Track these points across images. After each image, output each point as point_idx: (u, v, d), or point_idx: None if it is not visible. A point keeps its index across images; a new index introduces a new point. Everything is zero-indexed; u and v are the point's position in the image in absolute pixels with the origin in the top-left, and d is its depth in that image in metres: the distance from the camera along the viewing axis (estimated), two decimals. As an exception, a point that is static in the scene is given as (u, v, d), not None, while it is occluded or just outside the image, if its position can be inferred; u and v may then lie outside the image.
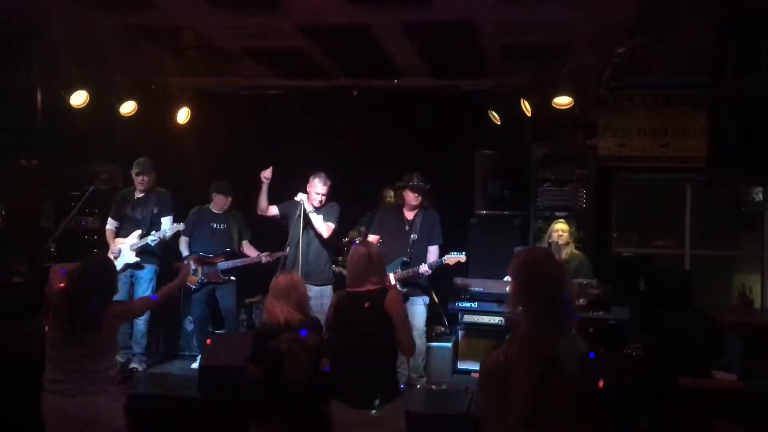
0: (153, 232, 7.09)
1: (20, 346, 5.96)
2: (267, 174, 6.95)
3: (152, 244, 7.09)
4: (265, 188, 6.98)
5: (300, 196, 6.76)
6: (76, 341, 4.22)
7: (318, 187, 6.86)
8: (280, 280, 4.56)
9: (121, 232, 7.29)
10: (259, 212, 7.09)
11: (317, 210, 6.90)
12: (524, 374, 2.81)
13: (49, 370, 4.29)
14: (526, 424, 2.78)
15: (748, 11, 5.24)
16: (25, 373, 5.60)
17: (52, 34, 6.77)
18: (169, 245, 7.33)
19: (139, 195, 7.33)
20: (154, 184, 7.37)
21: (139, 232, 7.15)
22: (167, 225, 7.21)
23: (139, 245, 7.12)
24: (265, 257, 7.21)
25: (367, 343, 4.14)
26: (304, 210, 6.74)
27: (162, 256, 7.28)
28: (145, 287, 7.16)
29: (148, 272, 7.18)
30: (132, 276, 7.20)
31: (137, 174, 7.26)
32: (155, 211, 7.27)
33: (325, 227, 6.87)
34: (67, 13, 6.31)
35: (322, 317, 6.84)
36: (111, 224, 7.41)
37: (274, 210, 7.06)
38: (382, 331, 4.16)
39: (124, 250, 7.13)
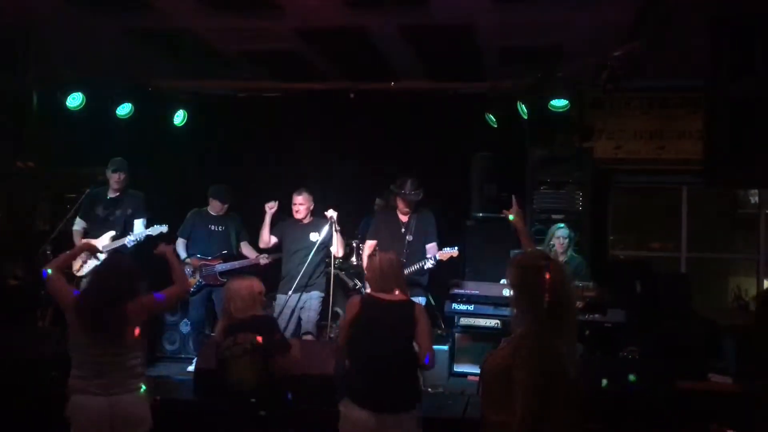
0: (130, 233, 6.88)
1: (16, 349, 5.93)
2: (272, 205, 7.02)
3: (129, 246, 6.87)
4: (268, 219, 7.03)
5: (330, 213, 6.82)
6: (100, 341, 4.16)
7: (293, 199, 6.99)
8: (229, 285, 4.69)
9: (90, 234, 7.04)
10: (261, 245, 7.16)
11: (306, 223, 7.00)
12: (530, 378, 2.82)
13: (75, 371, 4.23)
14: (531, 427, 2.78)
15: (743, 13, 5.24)
16: (22, 375, 5.62)
17: (49, 36, 6.77)
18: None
19: (112, 195, 7.13)
20: (128, 184, 7.18)
21: (112, 233, 6.95)
22: (140, 227, 7.01)
23: (112, 247, 6.86)
24: (263, 259, 7.21)
25: (393, 349, 4.20)
26: (335, 228, 6.83)
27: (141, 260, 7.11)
28: None
29: None
30: None
31: (114, 171, 7.04)
32: (129, 212, 7.09)
33: (342, 246, 7.04)
34: (64, 16, 6.30)
35: (306, 314, 6.86)
36: (79, 225, 7.14)
37: (273, 240, 7.13)
38: (409, 339, 4.25)
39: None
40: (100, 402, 4.12)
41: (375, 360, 4.15)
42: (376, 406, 4.08)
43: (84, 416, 4.13)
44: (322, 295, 7.06)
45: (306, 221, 7.04)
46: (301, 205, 6.97)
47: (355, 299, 4.43)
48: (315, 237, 6.90)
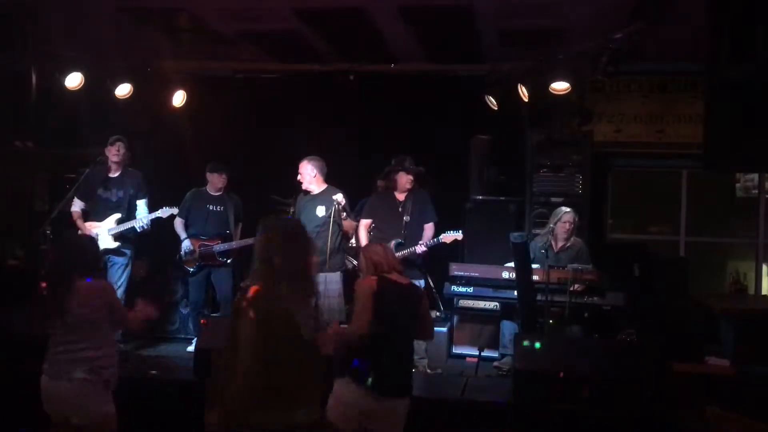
0: (138, 218, 6.86)
1: (15, 328, 5.95)
2: None
3: (139, 230, 6.87)
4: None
5: (337, 196, 6.45)
6: (58, 320, 4.13)
7: (300, 168, 6.66)
8: None
9: (93, 215, 6.98)
10: None
11: (315, 195, 6.66)
12: (258, 330, 3.04)
13: (48, 351, 4.23)
14: (260, 377, 3.01)
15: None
16: (21, 354, 5.64)
17: (47, 15, 6.74)
18: (167, 229, 7.28)
19: (112, 174, 7.01)
20: (128, 162, 7.09)
21: (117, 215, 6.90)
22: (143, 209, 6.97)
23: (118, 230, 6.86)
24: None
25: (406, 330, 4.27)
26: (339, 212, 6.46)
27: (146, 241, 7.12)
28: (119, 273, 6.89)
29: (125, 258, 6.94)
30: (107, 261, 6.92)
31: (113, 143, 6.90)
32: (131, 192, 7.01)
33: (351, 227, 6.70)
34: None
35: (326, 302, 6.83)
36: (77, 205, 7.04)
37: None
38: (415, 322, 4.32)
39: (102, 234, 6.83)
40: (45, 383, 4.17)
41: (391, 342, 4.12)
42: (384, 390, 4.04)
43: (45, 398, 4.19)
44: (340, 276, 6.66)
45: (315, 193, 6.68)
46: (299, 174, 6.64)
47: (370, 280, 4.24)
48: (321, 212, 6.59)
